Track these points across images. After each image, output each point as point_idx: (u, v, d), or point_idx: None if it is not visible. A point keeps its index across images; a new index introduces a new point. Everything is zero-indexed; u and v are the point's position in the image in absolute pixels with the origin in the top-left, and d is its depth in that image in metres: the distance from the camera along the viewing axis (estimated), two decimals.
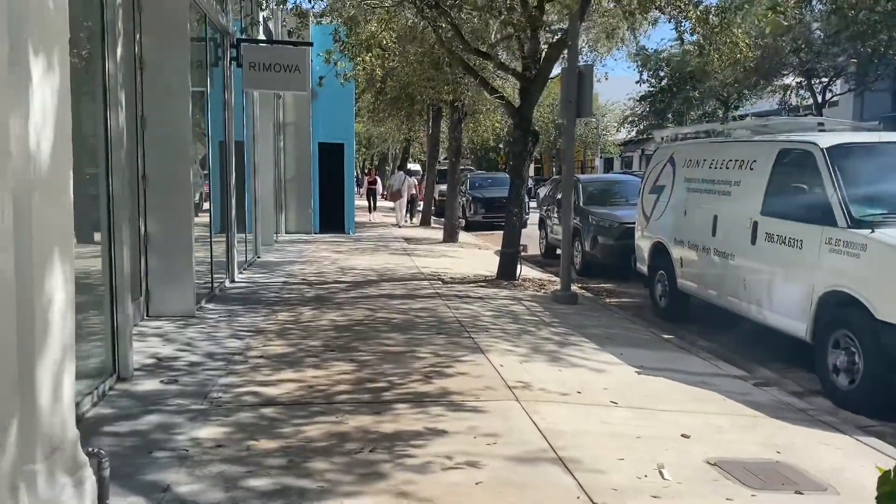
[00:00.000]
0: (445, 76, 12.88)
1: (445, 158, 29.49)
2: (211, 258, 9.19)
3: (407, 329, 7.44)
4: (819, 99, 28.53)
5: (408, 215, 26.68)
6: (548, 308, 9.10)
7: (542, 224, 16.24)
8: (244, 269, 11.58)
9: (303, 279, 10.85)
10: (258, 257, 13.19)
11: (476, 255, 15.32)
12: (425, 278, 11.22)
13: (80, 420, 4.45)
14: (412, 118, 25.02)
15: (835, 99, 29.60)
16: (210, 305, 8.56)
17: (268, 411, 4.80)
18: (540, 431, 4.52)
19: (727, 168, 8.08)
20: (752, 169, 7.63)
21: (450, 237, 17.13)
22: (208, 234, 9.31)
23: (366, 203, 27.50)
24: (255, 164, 13.34)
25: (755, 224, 7.31)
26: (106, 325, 5.31)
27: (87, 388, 4.87)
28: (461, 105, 16.81)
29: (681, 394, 5.70)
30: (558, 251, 15.92)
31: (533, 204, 24.61)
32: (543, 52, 10.33)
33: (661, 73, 36.91)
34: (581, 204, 14.04)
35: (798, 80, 30.11)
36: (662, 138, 10.09)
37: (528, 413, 4.87)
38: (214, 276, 9.50)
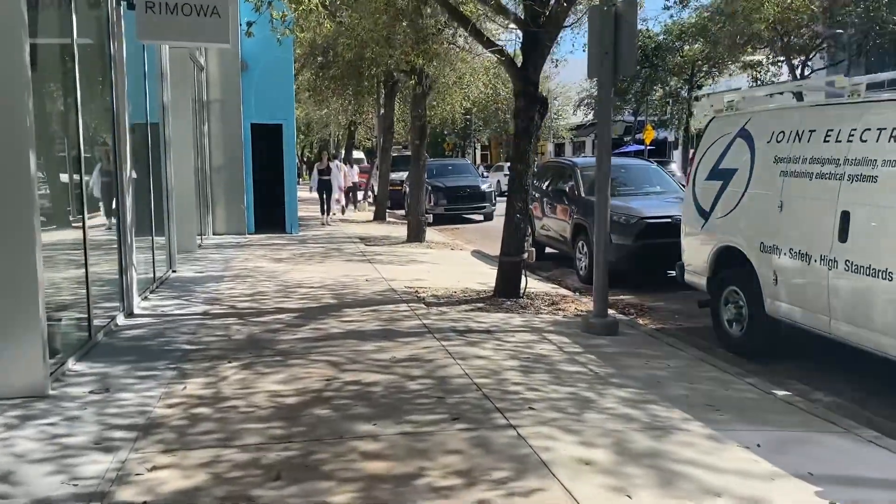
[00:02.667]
0: (414, 31, 9.94)
1: (396, 144, 26.65)
2: (87, 286, 6.12)
3: (398, 409, 4.56)
4: (797, 74, 26.53)
5: (350, 205, 23.67)
6: (587, 346, 6.35)
7: None
8: (150, 293, 8.49)
9: (231, 307, 7.84)
10: (173, 271, 10.08)
11: (451, 258, 12.49)
12: (401, 298, 8.34)
13: None
14: (361, 96, 22.01)
15: (809, 75, 27.60)
16: (82, 366, 5.51)
17: None
18: None
19: (863, 141, 5.43)
20: None
21: (415, 236, 14.25)
22: (103, 246, 6.25)
23: (317, 197, 20.70)
24: (167, 150, 10.21)
25: None
26: None
27: None
28: (425, 77, 13.89)
29: None
30: (548, 250, 13.28)
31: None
32: None
33: None
34: (583, 194, 11.35)
35: (771, 55, 28.12)
36: (727, 104, 7.39)
37: None
38: (98, 309, 6.46)
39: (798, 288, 5.98)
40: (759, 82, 29.52)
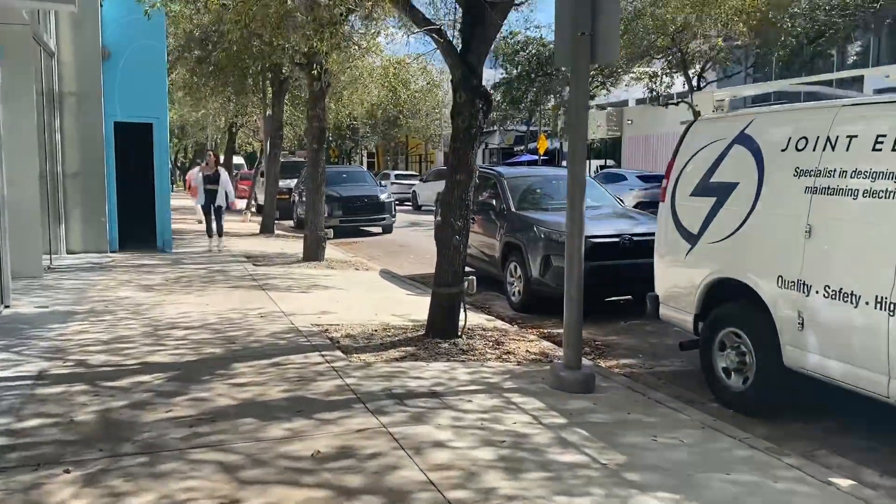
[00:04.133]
0: (316, 13, 8.15)
1: (291, 151, 24.49)
2: None
3: None
4: (694, 85, 26.45)
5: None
6: (569, 415, 4.82)
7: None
8: None
9: (80, 362, 5.79)
10: (5, 307, 7.81)
11: (358, 281, 10.72)
12: (309, 343, 6.54)
13: None
14: (244, 95, 19.87)
15: (704, 86, 27.56)
16: None
17: None
18: None
19: None
20: None
21: (313, 254, 12.37)
22: None
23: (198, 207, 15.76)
24: None
25: None
26: None
27: None
28: (324, 71, 12.08)
29: None
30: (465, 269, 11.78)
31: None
32: None
33: (517, 59, 33.79)
34: (513, 208, 9.92)
35: (665, 67, 28.01)
36: (718, 103, 6.07)
37: None
38: None
39: (838, 337, 4.69)
40: (654, 93, 29.43)
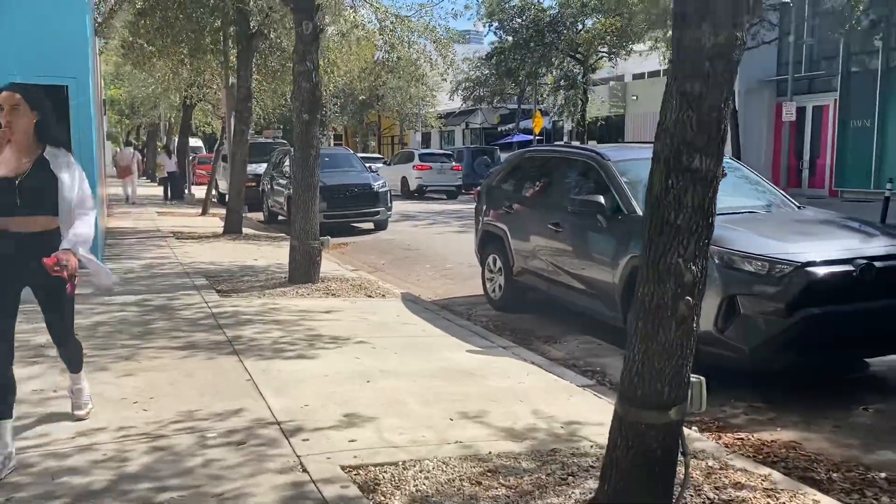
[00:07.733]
0: None
1: (258, 130, 20.42)
2: None
3: None
4: None
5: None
6: None
7: (489, 241, 8.21)
8: None
9: None
10: None
11: (382, 322, 6.90)
12: None
13: None
14: (201, 57, 15.87)
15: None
16: None
17: None
18: None
19: None
20: None
21: (304, 274, 8.54)
22: None
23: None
24: None
25: None
26: None
27: None
28: (317, 9, 8.24)
29: None
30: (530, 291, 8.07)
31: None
32: None
33: (515, 26, 29.98)
34: (638, 211, 6.21)
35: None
36: None
37: None
38: None
39: None
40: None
